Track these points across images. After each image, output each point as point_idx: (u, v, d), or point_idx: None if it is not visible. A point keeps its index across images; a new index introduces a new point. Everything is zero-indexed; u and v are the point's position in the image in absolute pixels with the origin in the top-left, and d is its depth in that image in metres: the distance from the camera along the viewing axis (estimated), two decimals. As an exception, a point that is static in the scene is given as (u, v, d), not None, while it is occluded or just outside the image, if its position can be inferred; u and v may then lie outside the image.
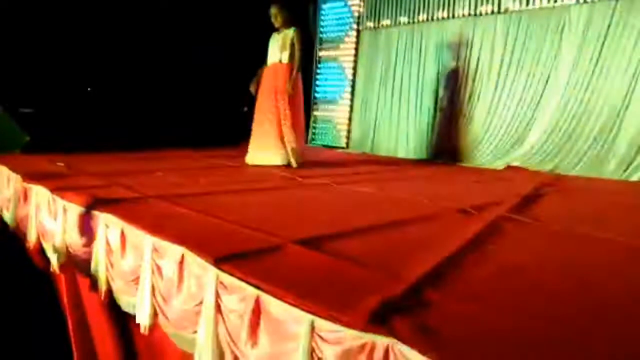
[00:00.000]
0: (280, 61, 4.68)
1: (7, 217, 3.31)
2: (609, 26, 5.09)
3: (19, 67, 5.49)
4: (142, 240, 1.92)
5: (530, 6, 5.60)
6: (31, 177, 3.09)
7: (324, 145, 7.76)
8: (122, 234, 2.06)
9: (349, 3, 7.47)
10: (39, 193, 2.86)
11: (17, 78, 5.47)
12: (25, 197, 3.06)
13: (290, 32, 4.68)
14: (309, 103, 7.90)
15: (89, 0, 5.81)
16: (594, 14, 5.18)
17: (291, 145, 4.55)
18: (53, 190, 2.71)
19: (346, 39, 7.56)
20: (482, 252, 1.89)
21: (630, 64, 4.96)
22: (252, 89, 4.82)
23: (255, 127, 4.72)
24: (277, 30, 4.78)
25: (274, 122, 4.58)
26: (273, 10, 4.67)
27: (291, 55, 4.64)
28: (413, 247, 1.92)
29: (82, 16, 5.81)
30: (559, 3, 5.38)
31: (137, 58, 6.33)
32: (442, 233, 2.20)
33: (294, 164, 4.54)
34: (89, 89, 6.20)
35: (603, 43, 5.13)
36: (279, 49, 4.69)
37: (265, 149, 4.59)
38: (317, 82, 7.94)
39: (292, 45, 4.65)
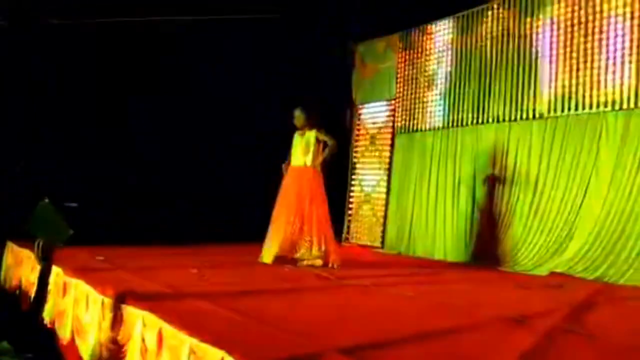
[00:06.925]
0: (304, 164, 4.86)
1: (46, 310, 3.30)
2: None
3: (68, 163, 5.79)
4: (180, 341, 1.86)
5: (566, 112, 5.64)
6: (71, 271, 3.12)
7: (358, 245, 7.67)
8: (160, 334, 2.01)
9: (385, 107, 7.74)
10: (78, 287, 2.87)
11: (64, 173, 5.73)
12: (65, 291, 3.07)
13: (312, 134, 4.91)
14: (344, 202, 7.96)
15: (132, 105, 6.25)
16: (632, 119, 5.17)
17: (329, 247, 4.63)
18: (92, 284, 2.71)
19: (382, 140, 7.74)
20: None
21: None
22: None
23: (277, 226, 4.72)
24: (298, 129, 5.03)
25: (300, 224, 4.65)
26: (296, 113, 5.00)
27: (314, 157, 4.87)
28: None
29: (125, 119, 6.24)
30: (594, 110, 5.41)
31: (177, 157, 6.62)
32: (493, 345, 2.06)
33: (333, 266, 4.56)
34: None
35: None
36: (302, 153, 4.90)
37: (292, 248, 4.62)
38: (353, 182, 8.06)
39: (316, 145, 4.88)
